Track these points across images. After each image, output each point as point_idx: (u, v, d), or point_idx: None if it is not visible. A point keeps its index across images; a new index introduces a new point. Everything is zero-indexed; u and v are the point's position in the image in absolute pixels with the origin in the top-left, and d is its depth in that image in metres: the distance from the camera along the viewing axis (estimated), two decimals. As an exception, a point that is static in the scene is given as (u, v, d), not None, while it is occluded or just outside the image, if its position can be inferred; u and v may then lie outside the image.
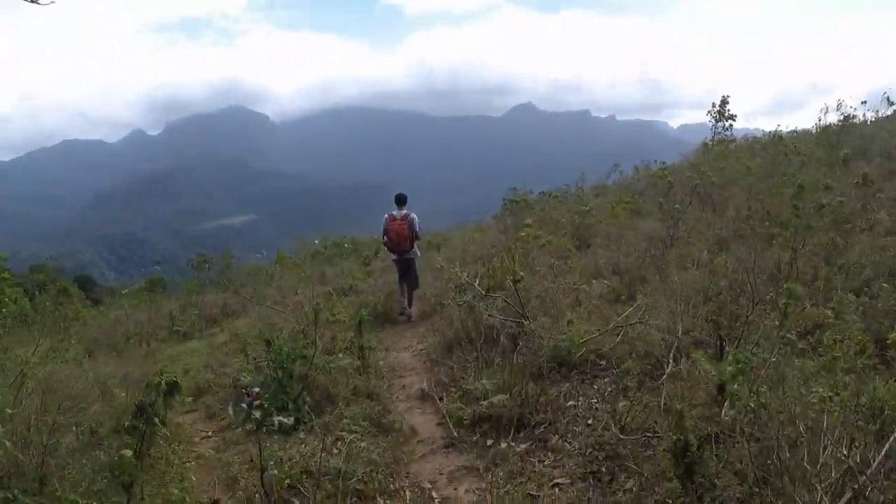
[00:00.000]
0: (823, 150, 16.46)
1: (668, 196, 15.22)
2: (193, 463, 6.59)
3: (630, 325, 6.90)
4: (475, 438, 5.81)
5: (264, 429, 4.50)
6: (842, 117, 18.93)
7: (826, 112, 19.60)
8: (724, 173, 15.65)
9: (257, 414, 4.36)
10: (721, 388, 5.07)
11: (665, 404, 5.40)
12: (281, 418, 4.50)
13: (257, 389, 4.60)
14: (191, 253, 21.67)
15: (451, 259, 16.36)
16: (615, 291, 9.73)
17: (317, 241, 22.01)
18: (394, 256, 11.84)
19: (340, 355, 7.48)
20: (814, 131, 20.18)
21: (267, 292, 17.15)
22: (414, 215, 11.63)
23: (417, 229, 11.69)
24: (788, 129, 22.03)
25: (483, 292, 7.86)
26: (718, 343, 5.49)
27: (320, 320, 7.05)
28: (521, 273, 6.87)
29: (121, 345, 14.64)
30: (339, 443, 5.83)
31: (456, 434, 5.92)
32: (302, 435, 6.47)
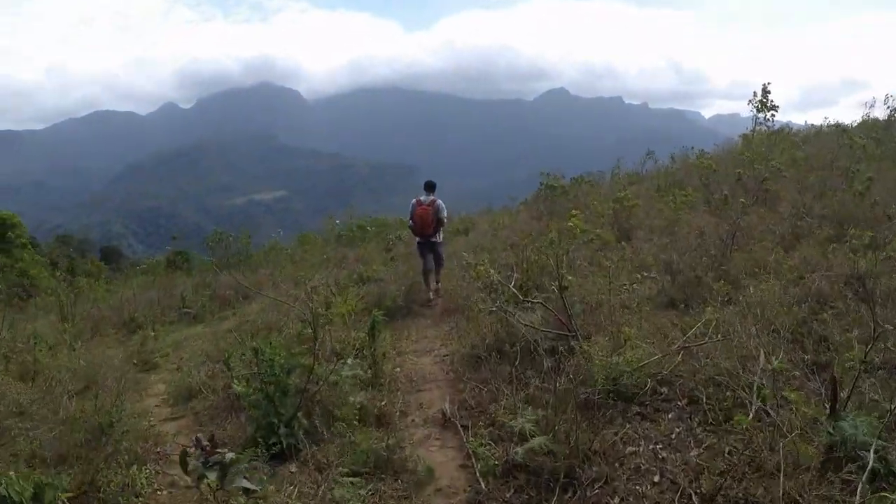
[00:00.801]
0: (874, 145, 15.28)
1: (710, 186, 14.07)
2: (164, 492, 5.52)
3: (699, 345, 5.60)
4: (508, 495, 4.51)
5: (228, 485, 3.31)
6: (890, 111, 18.21)
7: (872, 105, 18.81)
8: (772, 166, 14.45)
9: (213, 475, 3.17)
10: (831, 450, 3.88)
11: (756, 461, 4.16)
12: (247, 483, 3.29)
13: (207, 444, 3.39)
14: (219, 227, 20.96)
15: (479, 247, 15.22)
16: (666, 294, 8.52)
17: (338, 222, 20.91)
18: (418, 240, 11.87)
19: (350, 362, 6.28)
20: (852, 126, 19.27)
21: (281, 276, 16.29)
22: (440, 202, 11.70)
23: (443, 216, 11.77)
24: (828, 123, 21.25)
25: (519, 296, 6.54)
26: (832, 389, 4.21)
27: (327, 318, 5.86)
28: (570, 277, 5.56)
29: (127, 326, 13.78)
30: (337, 488, 4.68)
31: (484, 487, 4.65)
32: (293, 468, 5.34)
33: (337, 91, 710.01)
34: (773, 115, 19.29)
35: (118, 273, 26.53)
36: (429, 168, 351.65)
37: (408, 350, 8.43)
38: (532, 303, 6.39)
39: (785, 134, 20.11)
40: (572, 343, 5.85)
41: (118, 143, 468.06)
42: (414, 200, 11.81)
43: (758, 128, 19.39)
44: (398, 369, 7.40)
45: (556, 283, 5.88)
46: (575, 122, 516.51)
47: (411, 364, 7.80)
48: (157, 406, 8.26)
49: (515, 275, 8.24)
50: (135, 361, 10.74)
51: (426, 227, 11.55)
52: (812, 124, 22.12)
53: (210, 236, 18.77)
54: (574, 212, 5.82)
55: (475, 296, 6.79)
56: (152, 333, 11.74)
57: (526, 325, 6.12)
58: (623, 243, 10.88)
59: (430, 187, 11.88)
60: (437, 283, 11.81)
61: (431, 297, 11.50)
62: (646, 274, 8.57)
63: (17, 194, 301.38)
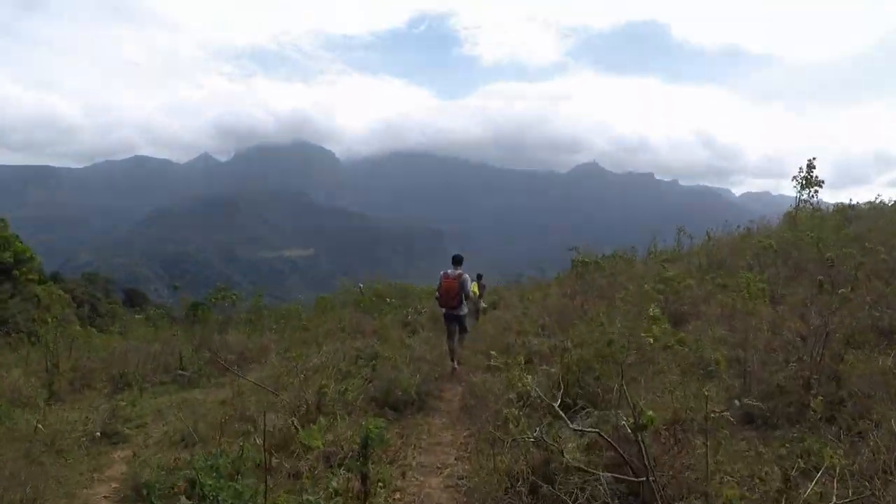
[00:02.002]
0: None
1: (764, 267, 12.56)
2: None
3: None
4: None
5: None
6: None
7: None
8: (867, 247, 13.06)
9: None
10: None
11: None
12: None
13: None
14: (245, 280, 19.71)
15: (508, 328, 13.68)
16: (741, 406, 6.78)
17: (360, 285, 19.50)
18: (443, 311, 12.28)
19: (334, 484, 4.62)
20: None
21: (289, 342, 15.00)
22: (466, 276, 12.18)
23: (468, 290, 12.16)
24: (866, 201, 20.09)
25: (565, 419, 4.72)
26: None
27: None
28: (650, 413, 3.85)
29: (116, 382, 12.66)
30: None
31: None
32: None
33: (371, 153, 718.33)
34: (816, 192, 18.28)
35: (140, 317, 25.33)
36: (458, 235, 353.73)
37: (414, 463, 6.64)
38: (583, 431, 4.65)
39: (843, 210, 18.80)
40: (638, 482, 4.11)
41: (153, 189, 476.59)
42: (442, 273, 12.22)
43: (801, 205, 18.27)
44: (397, 495, 5.62)
45: (619, 400, 4.23)
46: (605, 197, 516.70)
47: (415, 486, 5.98)
48: (104, 497, 6.80)
49: (556, 371, 6.62)
50: (99, 433, 9.26)
51: (451, 299, 11.96)
52: (857, 202, 20.76)
53: (212, 292, 17.23)
54: (655, 311, 4.22)
55: (506, 409, 5.08)
56: (123, 403, 10.23)
57: (572, 460, 4.37)
58: (722, 362, 9.19)
59: (457, 261, 12.36)
60: (459, 357, 11.98)
61: (453, 368, 11.67)
62: (728, 408, 6.76)
63: (50, 228, 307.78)
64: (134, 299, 53.19)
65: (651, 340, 4.04)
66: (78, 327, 16.70)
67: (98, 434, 9.33)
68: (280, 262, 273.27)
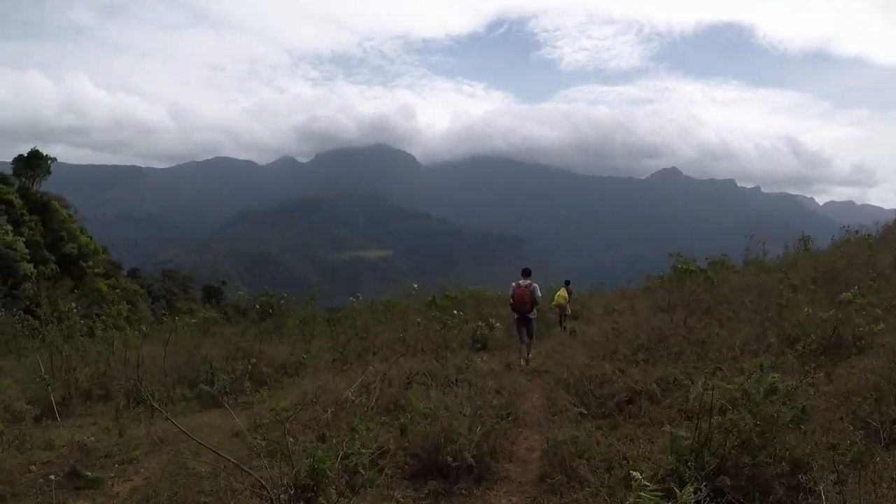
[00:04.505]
0: None
1: None
2: None
3: None
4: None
5: None
6: None
7: None
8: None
9: None
10: None
11: None
12: None
13: None
14: (323, 280, 17.81)
15: (597, 354, 11.06)
16: None
17: (415, 286, 17.47)
18: (516, 316, 14.06)
19: None
20: None
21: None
22: (536, 285, 14.07)
23: (537, 296, 14.01)
24: None
25: None
26: None
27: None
28: None
29: (130, 397, 10.58)
30: None
31: None
32: None
33: (451, 158, 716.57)
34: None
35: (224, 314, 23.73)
36: (536, 241, 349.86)
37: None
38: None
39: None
40: None
41: (235, 189, 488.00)
42: (514, 284, 14.11)
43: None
44: None
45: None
46: (685, 203, 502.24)
47: None
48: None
49: (689, 436, 3.94)
50: (53, 476, 6.89)
51: (524, 305, 13.83)
52: None
53: (258, 296, 15.19)
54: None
55: None
56: (90, 438, 7.95)
57: None
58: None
59: (526, 273, 14.17)
60: (529, 353, 13.95)
61: (523, 363, 13.45)
62: None
63: (135, 225, 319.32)
64: (212, 296, 52.75)
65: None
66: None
67: (60, 476, 7.10)
68: (357, 263, 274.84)
